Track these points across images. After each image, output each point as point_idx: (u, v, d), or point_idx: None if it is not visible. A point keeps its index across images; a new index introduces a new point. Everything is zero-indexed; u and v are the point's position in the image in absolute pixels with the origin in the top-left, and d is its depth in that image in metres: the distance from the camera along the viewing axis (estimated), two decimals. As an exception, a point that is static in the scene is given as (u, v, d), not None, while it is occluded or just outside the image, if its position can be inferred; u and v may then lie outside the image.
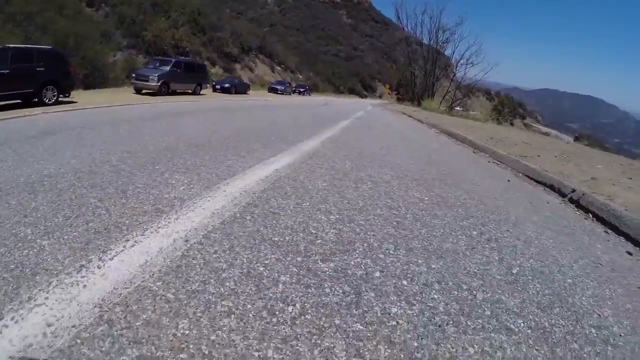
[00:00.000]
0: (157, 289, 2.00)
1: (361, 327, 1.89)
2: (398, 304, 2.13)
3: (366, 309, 2.05)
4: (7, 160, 4.34)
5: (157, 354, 1.55)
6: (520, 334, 2.00)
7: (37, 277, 2.01)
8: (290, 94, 39.34)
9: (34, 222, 2.68)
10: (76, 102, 12.61)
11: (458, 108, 37.97)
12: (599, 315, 2.28)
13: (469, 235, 3.30)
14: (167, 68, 19.84)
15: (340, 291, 2.20)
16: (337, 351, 1.71)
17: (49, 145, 5.33)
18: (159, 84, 18.66)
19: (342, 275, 2.38)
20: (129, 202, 3.25)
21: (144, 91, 18.92)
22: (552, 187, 5.63)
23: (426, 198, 4.30)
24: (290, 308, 1.98)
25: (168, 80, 19.46)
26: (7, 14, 23.71)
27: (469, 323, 2.04)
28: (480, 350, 1.84)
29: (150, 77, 18.72)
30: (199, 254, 2.41)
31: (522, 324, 2.09)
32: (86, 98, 14.22)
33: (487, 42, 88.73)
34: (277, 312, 1.93)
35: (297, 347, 1.70)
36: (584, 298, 2.47)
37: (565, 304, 2.36)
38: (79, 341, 1.57)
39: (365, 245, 2.85)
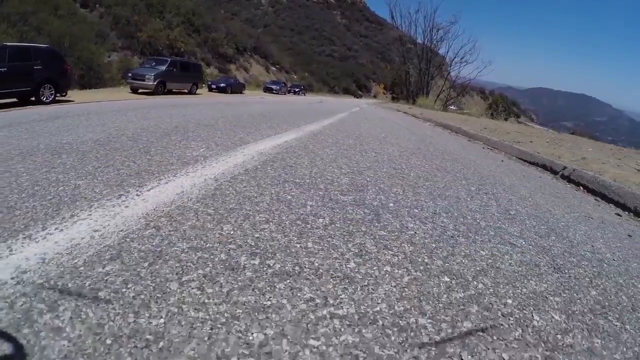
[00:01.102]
0: (197, 207, 2.26)
1: (385, 233, 2.18)
2: (413, 222, 2.42)
3: (386, 223, 2.35)
4: (23, 135, 4.49)
5: (207, 245, 1.78)
6: (523, 248, 2.28)
7: (77, 203, 2.21)
8: (285, 94, 39.51)
9: (64, 171, 2.86)
10: (73, 101, 12.59)
11: (453, 107, 38.20)
12: (592, 246, 2.54)
13: (468, 190, 3.59)
14: (163, 67, 19.79)
15: (362, 212, 2.49)
16: (368, 246, 1.99)
17: (59, 125, 5.39)
18: (155, 83, 18.61)
19: (360, 203, 2.68)
20: (154, 158, 3.48)
21: (140, 90, 18.92)
22: (544, 167, 5.84)
23: (426, 165, 4.60)
24: (320, 220, 2.28)
25: (164, 79, 19.42)
26: (2, 15, 23.64)
27: (476, 237, 2.33)
28: (490, 253, 2.12)
29: (147, 76, 18.65)
30: (231, 187, 2.69)
31: (524, 242, 2.37)
32: (83, 97, 14.23)
33: (481, 41, 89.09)
34: (309, 222, 2.22)
35: (333, 242, 1.99)
36: (577, 234, 2.73)
37: (560, 236, 2.63)
38: (128, 239, 1.79)
39: (376, 188, 3.15)
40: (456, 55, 37.64)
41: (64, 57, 14.54)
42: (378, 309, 1.43)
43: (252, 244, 1.85)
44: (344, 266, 1.72)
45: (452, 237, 2.26)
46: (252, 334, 1.22)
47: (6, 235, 1.73)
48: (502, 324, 1.45)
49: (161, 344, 1.15)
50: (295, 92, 43.84)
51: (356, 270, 1.70)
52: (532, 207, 3.31)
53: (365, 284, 1.60)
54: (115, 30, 33.80)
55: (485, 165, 5.32)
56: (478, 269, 1.89)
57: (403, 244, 2.05)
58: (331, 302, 1.45)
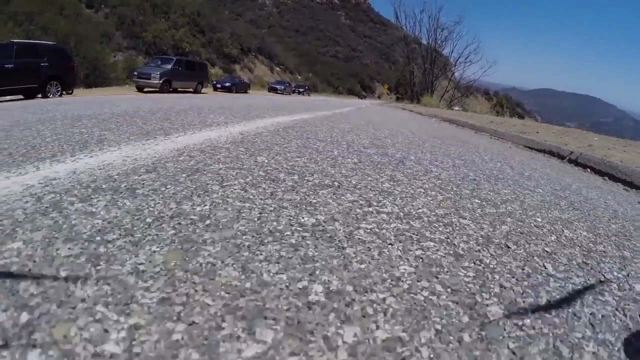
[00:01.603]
0: (228, 147, 2.39)
1: (412, 172, 2.30)
2: (436, 169, 2.53)
3: (411, 167, 2.47)
4: (38, 111, 4.50)
5: (244, 166, 1.90)
6: (541, 194, 2.36)
7: (104, 143, 2.31)
8: (290, 94, 39.64)
9: (87, 127, 2.96)
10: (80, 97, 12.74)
11: (457, 108, 38.01)
12: (605, 202, 2.58)
13: (482, 157, 3.71)
14: (169, 66, 19.74)
15: (386, 159, 2.62)
16: (398, 176, 2.12)
17: (71, 107, 5.38)
18: (161, 81, 18.55)
19: (383, 154, 2.81)
20: (176, 122, 3.61)
21: (146, 89, 18.94)
22: (551, 152, 5.77)
23: (439, 142, 4.69)
24: (349, 159, 2.42)
25: (170, 78, 19.37)
26: (8, 14, 23.95)
27: (496, 182, 2.43)
28: (512, 191, 2.23)
29: (152, 74, 18.58)
30: (257, 138, 2.83)
31: (541, 191, 2.45)
32: (89, 94, 14.38)
33: (485, 42, 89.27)
34: (339, 160, 2.36)
35: (365, 172, 2.11)
36: (589, 194, 2.78)
37: (574, 192, 2.70)
38: (162, 162, 1.89)
39: (395, 149, 3.26)
40: (460, 55, 37.46)
41: (71, 55, 14.59)
42: (421, 211, 1.55)
43: (289, 168, 1.97)
44: (380, 185, 1.85)
45: (474, 180, 2.38)
46: (303, 217, 1.30)
47: (33, 159, 1.81)
48: (537, 231, 1.54)
49: (208, 221, 1.20)
50: (299, 92, 43.95)
51: (392, 189, 1.81)
52: (544, 175, 3.37)
53: (403, 196, 1.72)
54: (120, 31, 34.02)
55: (494, 148, 5.38)
56: (504, 199, 2.01)
57: (431, 179, 2.17)
58: (375, 204, 1.55)
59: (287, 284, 0.89)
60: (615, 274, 1.27)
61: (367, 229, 1.27)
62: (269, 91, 38.13)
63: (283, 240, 1.12)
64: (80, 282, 0.82)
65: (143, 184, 1.52)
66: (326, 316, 0.79)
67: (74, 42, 24.55)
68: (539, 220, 1.71)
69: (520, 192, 2.24)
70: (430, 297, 0.92)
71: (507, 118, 20.77)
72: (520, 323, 0.88)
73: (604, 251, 1.46)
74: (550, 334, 0.85)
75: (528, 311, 0.93)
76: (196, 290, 0.83)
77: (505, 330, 0.84)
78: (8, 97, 10.25)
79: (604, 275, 1.24)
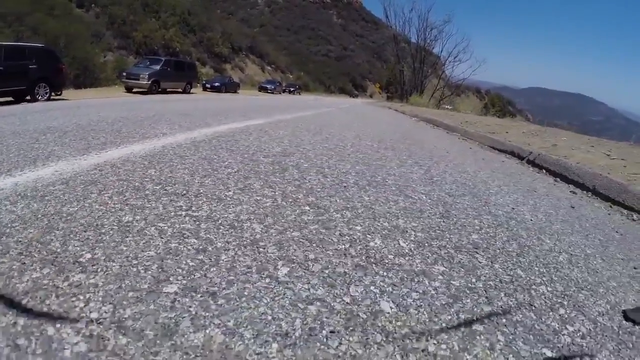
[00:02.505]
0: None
1: (279, 181, 2.58)
2: (315, 177, 2.80)
3: (286, 177, 2.75)
4: (15, 123, 4.81)
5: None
6: (418, 200, 2.58)
7: (49, 159, 2.88)
8: (280, 93, 39.82)
9: (47, 141, 3.51)
10: (67, 99, 12.74)
11: (447, 106, 38.21)
12: (513, 208, 2.67)
13: (404, 162, 3.96)
14: (158, 67, 19.71)
15: (272, 167, 2.99)
16: (255, 185, 2.49)
17: (47, 116, 5.75)
18: (149, 82, 18.58)
19: (275, 163, 3.07)
20: (122, 134, 3.96)
21: (134, 90, 19.03)
22: (512, 153, 5.87)
23: (377, 146, 4.88)
24: (228, 170, 2.83)
25: (159, 78, 19.38)
26: None
27: (374, 188, 2.65)
28: (374, 198, 2.43)
29: (141, 75, 18.61)
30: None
31: (424, 197, 2.74)
32: (77, 95, 14.35)
33: (475, 41, 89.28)
34: (219, 171, 2.74)
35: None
36: (500, 199, 2.92)
37: (476, 197, 2.91)
38: (75, 177, 2.40)
39: (302, 157, 3.50)
40: (450, 54, 37.76)
41: (59, 56, 14.66)
42: (233, 216, 1.80)
43: (160, 179, 2.30)
44: (221, 193, 2.12)
45: (346, 186, 2.75)
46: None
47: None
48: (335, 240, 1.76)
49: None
50: (290, 92, 44.16)
51: (230, 197, 2.07)
52: (466, 178, 3.53)
53: (230, 203, 1.96)
54: (111, 30, 33.97)
55: (443, 150, 5.50)
56: (352, 205, 2.34)
57: (289, 187, 2.42)
58: (193, 208, 1.90)
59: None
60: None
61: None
62: (260, 90, 38.23)
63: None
64: None
65: (52, 193, 2.10)
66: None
67: (64, 43, 24.49)
68: (358, 229, 1.95)
69: (385, 199, 2.53)
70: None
71: (488, 117, 21.06)
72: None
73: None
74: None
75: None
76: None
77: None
78: (-2, 99, 10.41)
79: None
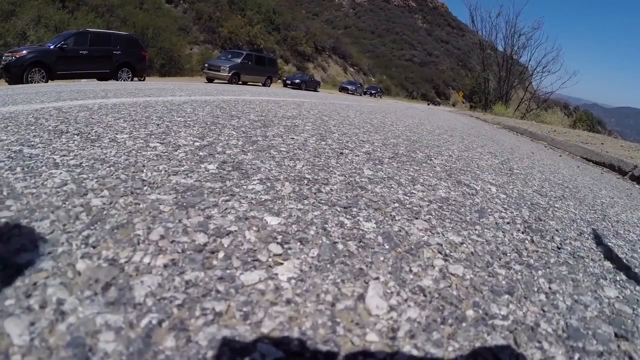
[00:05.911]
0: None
1: None
2: None
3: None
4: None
5: None
6: None
7: None
8: (360, 95, 38.65)
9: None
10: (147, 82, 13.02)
11: (532, 120, 34.87)
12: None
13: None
14: (239, 60, 19.92)
15: None
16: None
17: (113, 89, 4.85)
18: (230, 74, 18.73)
19: None
20: None
21: (215, 81, 19.06)
22: (611, 166, 4.98)
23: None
24: None
25: (239, 71, 19.50)
26: (90, 6, 25.47)
27: None
28: None
29: (222, 67, 18.83)
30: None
31: None
32: (159, 81, 14.55)
33: (564, 52, 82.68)
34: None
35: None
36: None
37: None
38: None
39: None
40: (538, 64, 34.11)
41: (143, 45, 15.07)
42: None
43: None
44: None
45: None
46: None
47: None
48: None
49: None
50: (371, 94, 42.82)
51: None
52: (561, 179, 3.00)
53: None
54: (197, 25, 34.90)
55: (526, 149, 4.88)
56: None
57: None
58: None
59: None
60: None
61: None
62: (340, 91, 37.33)
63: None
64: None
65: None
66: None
67: (151, 34, 25.46)
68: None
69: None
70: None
71: (578, 130, 18.46)
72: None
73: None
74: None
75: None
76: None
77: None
78: (83, 80, 11.29)
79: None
